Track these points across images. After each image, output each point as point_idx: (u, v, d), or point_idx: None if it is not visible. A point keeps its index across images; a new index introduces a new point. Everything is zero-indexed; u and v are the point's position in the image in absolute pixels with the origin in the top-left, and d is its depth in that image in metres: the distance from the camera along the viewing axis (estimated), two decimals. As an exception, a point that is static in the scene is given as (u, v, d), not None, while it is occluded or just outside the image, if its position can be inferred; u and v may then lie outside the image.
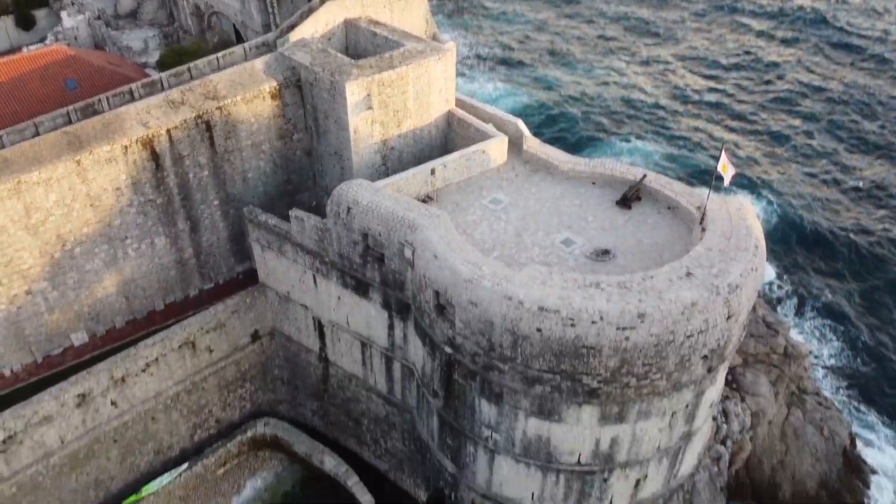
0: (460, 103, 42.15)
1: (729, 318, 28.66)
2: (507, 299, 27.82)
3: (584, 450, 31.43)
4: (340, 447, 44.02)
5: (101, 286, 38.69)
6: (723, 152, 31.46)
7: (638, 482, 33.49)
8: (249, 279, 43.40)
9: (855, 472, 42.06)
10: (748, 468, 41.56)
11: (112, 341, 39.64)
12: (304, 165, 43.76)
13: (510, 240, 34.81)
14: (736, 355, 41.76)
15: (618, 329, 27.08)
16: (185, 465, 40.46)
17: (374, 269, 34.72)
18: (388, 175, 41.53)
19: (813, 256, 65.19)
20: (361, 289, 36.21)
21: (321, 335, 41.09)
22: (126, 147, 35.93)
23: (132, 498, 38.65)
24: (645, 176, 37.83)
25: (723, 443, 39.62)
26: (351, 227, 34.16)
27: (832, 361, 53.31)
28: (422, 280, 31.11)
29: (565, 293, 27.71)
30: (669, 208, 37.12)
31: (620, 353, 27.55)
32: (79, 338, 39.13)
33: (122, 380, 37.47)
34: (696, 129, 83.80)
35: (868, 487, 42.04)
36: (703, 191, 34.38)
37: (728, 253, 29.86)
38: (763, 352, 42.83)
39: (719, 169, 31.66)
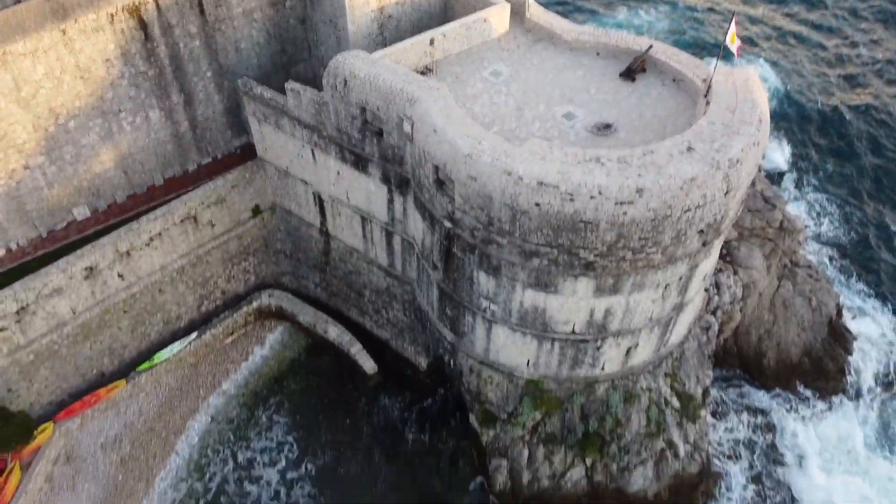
0: (460, -33, 40.06)
1: (727, 193, 28.75)
2: (507, 174, 27.78)
3: (578, 320, 32.53)
4: (343, 317, 45.47)
5: (98, 161, 38.48)
6: (732, 22, 30.33)
7: (629, 350, 34.94)
8: (248, 154, 43.07)
9: (839, 340, 43.67)
10: (736, 337, 43.18)
11: (114, 216, 39.93)
12: (299, 35, 42.21)
13: (511, 113, 34.26)
14: (732, 229, 42.28)
15: (616, 204, 27.23)
16: (194, 335, 41.97)
17: (373, 143, 34.38)
18: (385, 45, 40.29)
19: (817, 132, 64.31)
20: (360, 164, 36.02)
21: (321, 210, 41.34)
22: (112, 15, 34.56)
23: (145, 364, 40.40)
24: (651, 47, 36.65)
25: (713, 313, 40.91)
26: (348, 101, 33.49)
27: (827, 235, 53.95)
28: (421, 155, 30.91)
29: (565, 168, 27.63)
30: (674, 81, 36.24)
31: (618, 227, 27.85)
32: (81, 212, 39.40)
33: (127, 253, 38.08)
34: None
35: (850, 355, 43.82)
36: (712, 62, 33.44)
37: (731, 127, 29.47)
38: (759, 226, 43.24)
39: (727, 40, 30.63)
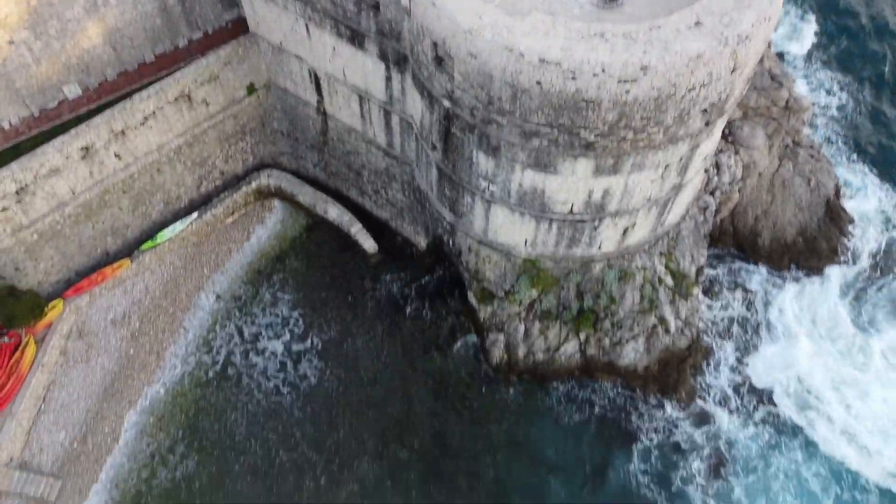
0: None
1: (734, 70, 28.00)
2: (508, 51, 26.92)
3: (576, 200, 32.64)
4: (343, 197, 45.57)
5: (85, 36, 37.10)
6: None
7: (626, 230, 35.31)
8: (239, 28, 41.30)
9: (834, 220, 43.88)
10: (733, 217, 43.39)
11: (106, 94, 39.03)
12: None
13: (513, -16, 32.77)
14: (736, 108, 41.50)
15: (619, 82, 26.57)
16: (195, 214, 42.22)
17: (369, 17, 32.99)
18: None
19: (834, 5, 61.48)
20: (357, 39, 34.74)
21: (318, 88, 40.33)
22: None
23: (149, 244, 40.95)
24: None
25: (711, 194, 40.95)
26: (342, -30, 31.87)
27: (834, 114, 52.73)
28: (419, 30, 29.78)
29: (568, 44, 26.72)
30: (687, -52, 34.41)
31: (620, 106, 27.34)
32: (72, 90, 38.50)
33: (122, 133, 37.60)
34: None
35: (844, 235, 44.15)
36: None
37: (743, 0, 28.24)
38: (764, 105, 42.40)
39: None
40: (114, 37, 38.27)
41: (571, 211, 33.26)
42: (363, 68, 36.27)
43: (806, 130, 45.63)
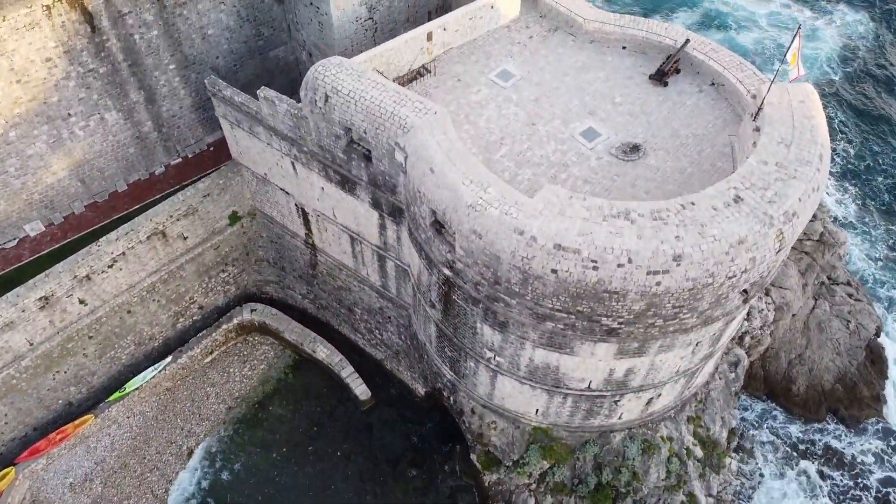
0: (462, -60, 34.11)
1: (779, 251, 24.28)
2: (518, 234, 23.17)
3: (595, 378, 28.61)
4: (333, 330, 41.49)
5: (49, 171, 33.87)
6: (797, 37, 24.92)
7: (650, 400, 31.22)
8: (221, 151, 38.13)
9: (876, 364, 39.79)
10: (763, 360, 39.28)
11: (73, 229, 35.62)
12: (276, 16, 36.66)
13: (521, 130, 29.44)
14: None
15: (648, 273, 22.76)
16: (168, 359, 37.70)
17: (361, 166, 29.48)
18: (376, 31, 35.17)
19: (868, 130, 58.08)
20: (347, 185, 31.19)
21: (306, 222, 36.69)
22: (48, 7, 29.29)
23: (116, 395, 36.60)
24: (688, 41, 31.46)
25: (740, 339, 36.93)
26: (331, 119, 28.39)
27: (873, 247, 47.99)
28: (416, 193, 26.14)
29: (587, 227, 22.97)
30: (713, 85, 31.25)
31: (649, 297, 23.50)
32: (34, 227, 35.05)
33: (87, 277, 33.79)
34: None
35: (887, 378, 39.95)
36: (756, 65, 28.34)
37: (787, 168, 24.68)
38: (796, 240, 38.62)
39: (788, 57, 25.33)
40: (82, 169, 35.08)
41: (589, 387, 29.21)
42: (354, 212, 32.69)
43: (841, 265, 41.55)
